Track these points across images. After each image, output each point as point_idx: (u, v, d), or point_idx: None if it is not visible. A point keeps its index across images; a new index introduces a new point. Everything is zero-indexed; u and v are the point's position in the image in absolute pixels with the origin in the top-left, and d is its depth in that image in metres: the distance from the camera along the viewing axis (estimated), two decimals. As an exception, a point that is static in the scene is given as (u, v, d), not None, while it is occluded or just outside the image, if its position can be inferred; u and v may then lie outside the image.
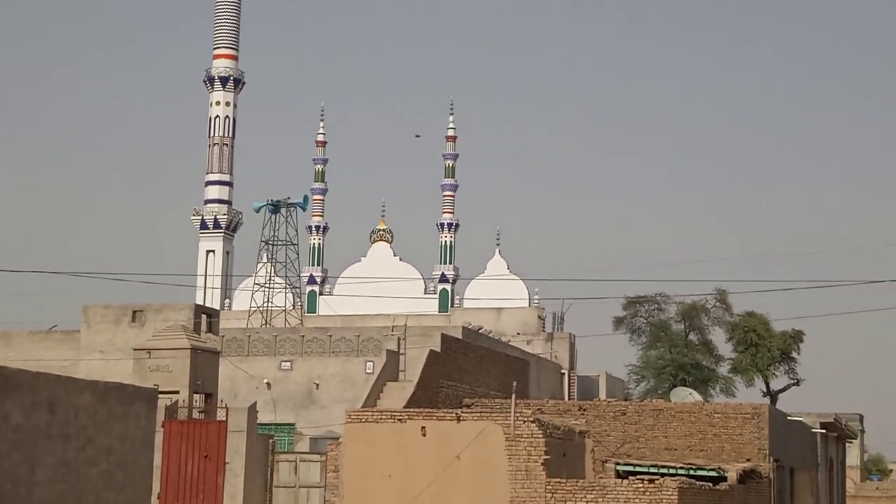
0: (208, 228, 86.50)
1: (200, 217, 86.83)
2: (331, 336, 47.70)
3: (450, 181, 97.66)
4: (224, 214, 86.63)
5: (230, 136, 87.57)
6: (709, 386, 55.65)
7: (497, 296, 78.18)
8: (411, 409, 34.47)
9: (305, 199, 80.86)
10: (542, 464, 29.58)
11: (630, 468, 31.97)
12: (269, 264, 74.40)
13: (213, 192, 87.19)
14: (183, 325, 39.52)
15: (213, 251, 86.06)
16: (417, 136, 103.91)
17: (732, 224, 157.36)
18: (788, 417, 44.91)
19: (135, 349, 36.01)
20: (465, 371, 45.78)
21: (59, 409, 9.19)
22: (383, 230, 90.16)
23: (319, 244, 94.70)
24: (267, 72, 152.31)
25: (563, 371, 59.68)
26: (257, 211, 77.69)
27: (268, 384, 43.70)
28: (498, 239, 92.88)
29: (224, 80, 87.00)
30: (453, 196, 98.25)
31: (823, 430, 50.00)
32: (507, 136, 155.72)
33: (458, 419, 31.13)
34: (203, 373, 34.74)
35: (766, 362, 56.10)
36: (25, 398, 8.96)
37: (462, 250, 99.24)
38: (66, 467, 9.23)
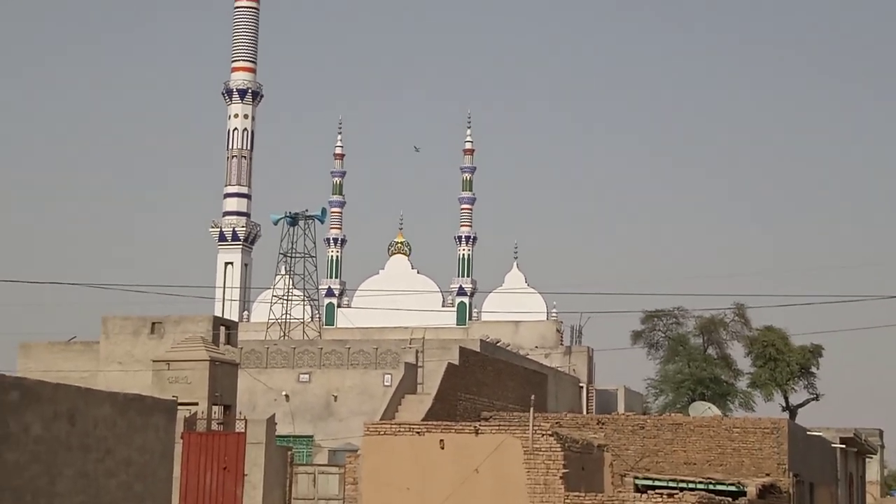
0: (227, 240, 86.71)
1: (219, 229, 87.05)
2: (349, 348, 47.76)
3: (467, 194, 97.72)
4: (242, 227, 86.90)
5: (248, 148, 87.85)
6: (727, 400, 55.50)
7: (515, 309, 77.98)
8: (429, 422, 34.42)
9: (323, 211, 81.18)
10: (561, 477, 29.48)
11: (649, 482, 31.83)
12: (288, 276, 74.60)
13: (232, 204, 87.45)
14: (202, 336, 39.56)
15: (231, 263, 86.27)
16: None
17: (752, 238, 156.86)
18: (808, 432, 44.71)
19: (154, 361, 36.07)
20: (484, 384, 45.71)
21: (79, 421, 9.19)
22: (401, 243, 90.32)
23: (337, 256, 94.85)
24: (285, 84, 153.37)
25: (581, 385, 59.59)
26: (275, 223, 77.97)
27: (286, 396, 43.71)
28: (516, 252, 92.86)
29: (242, 93, 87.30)
30: (471, 209, 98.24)
31: (843, 446, 49.75)
32: (525, 150, 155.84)
33: (477, 432, 31.07)
34: (222, 384, 34.79)
35: (786, 377, 55.93)
36: (46, 409, 8.95)
37: (480, 263, 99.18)
38: (85, 478, 9.22)
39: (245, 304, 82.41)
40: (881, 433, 72.19)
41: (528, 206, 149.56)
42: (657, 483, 31.77)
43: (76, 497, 9.27)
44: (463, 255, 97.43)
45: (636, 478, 32.78)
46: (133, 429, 9.88)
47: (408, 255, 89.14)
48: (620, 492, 31.23)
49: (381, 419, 37.20)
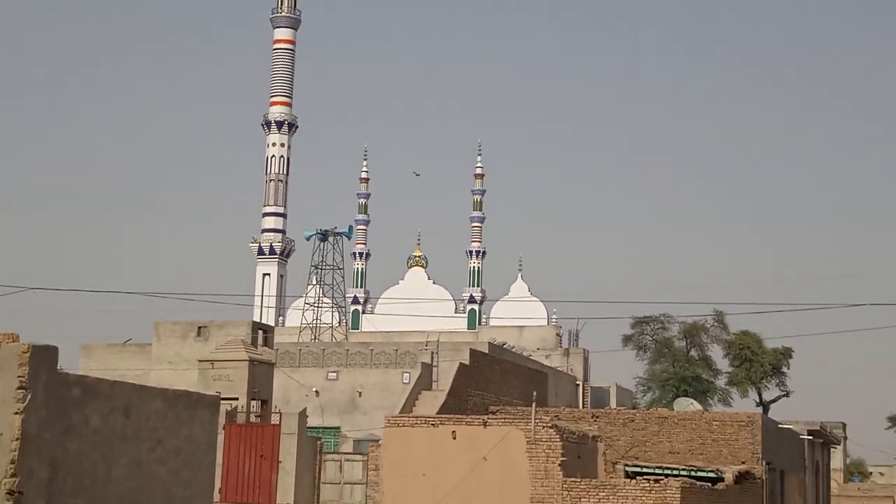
0: (264, 254, 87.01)
1: (258, 244, 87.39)
2: (372, 350, 47.75)
3: (477, 213, 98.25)
4: (278, 242, 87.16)
5: (284, 173, 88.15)
6: (708, 397, 55.32)
7: (519, 315, 78.03)
8: (443, 416, 34.41)
9: (350, 228, 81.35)
10: (560, 465, 29.42)
11: (637, 469, 31.77)
12: (318, 286, 74.70)
13: (269, 222, 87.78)
14: (242, 339, 39.62)
15: (268, 274, 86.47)
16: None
17: (732, 252, 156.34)
18: (779, 425, 44.56)
19: (199, 360, 36.11)
20: (491, 382, 45.61)
21: (133, 414, 9.22)
22: (418, 256, 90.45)
23: (362, 269, 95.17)
24: (317, 116, 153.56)
25: (577, 382, 59.43)
26: (308, 239, 78.17)
27: (316, 392, 43.71)
28: (520, 265, 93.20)
29: (279, 125, 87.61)
30: (481, 227, 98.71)
31: (810, 437, 49.54)
32: (528, 175, 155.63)
33: (485, 424, 31.04)
34: (259, 382, 34.83)
35: (759, 376, 55.82)
36: (104, 404, 9.00)
37: (488, 274, 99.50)
38: (138, 466, 9.25)
39: (280, 310, 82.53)
40: (844, 426, 71.94)
41: (531, 224, 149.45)
42: (645, 470, 31.70)
43: (130, 482, 9.30)
44: (473, 267, 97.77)
45: (626, 465, 32.71)
46: (181, 421, 9.91)
47: (424, 268, 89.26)
48: (612, 478, 31.16)
49: (400, 413, 37.21)
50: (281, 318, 79.50)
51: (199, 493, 10.05)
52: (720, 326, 57.27)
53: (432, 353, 46.02)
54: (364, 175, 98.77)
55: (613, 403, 58.20)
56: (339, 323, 72.51)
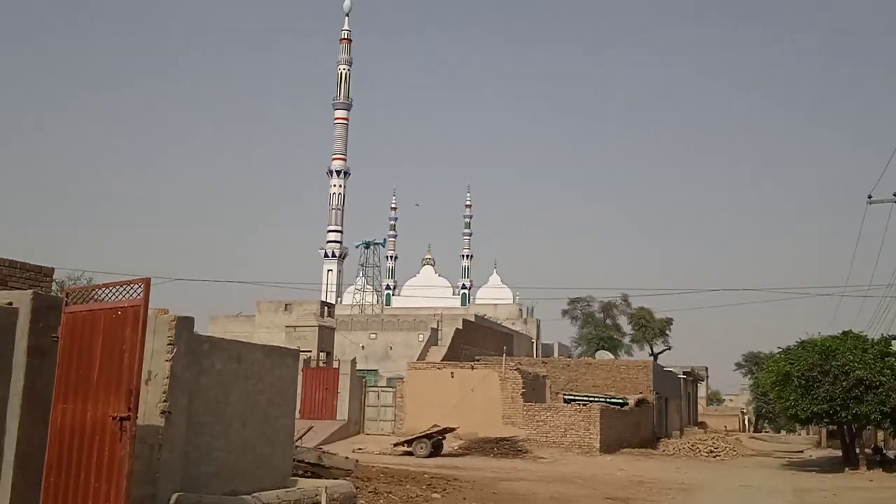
0: (328, 257, 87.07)
1: (324, 251, 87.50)
2: (398, 319, 47.89)
3: (467, 231, 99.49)
4: (338, 249, 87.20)
5: (341, 204, 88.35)
6: (617, 350, 55.37)
7: (494, 297, 78.42)
8: (444, 362, 34.61)
9: (384, 240, 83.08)
10: (521, 394, 29.56)
11: (572, 397, 31.86)
12: (363, 278, 75.05)
13: (331, 236, 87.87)
14: (314, 313, 39.77)
15: (331, 270, 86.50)
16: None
17: (635, 254, 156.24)
18: (664, 368, 44.71)
19: (286, 326, 36.28)
20: (476, 340, 45.73)
21: (243, 361, 9.24)
22: (429, 258, 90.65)
23: (392, 266, 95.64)
24: (363, 167, 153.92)
25: (532, 341, 59.59)
26: (356, 247, 79.15)
27: (362, 347, 43.85)
28: (495, 264, 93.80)
29: (338, 173, 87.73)
30: (469, 239, 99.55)
31: (684, 376, 49.66)
32: (501, 206, 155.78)
33: (472, 368, 31.22)
34: (325, 340, 34.97)
35: (651, 336, 56.00)
36: (224, 354, 9.02)
37: (475, 271, 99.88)
38: (246, 395, 9.27)
39: (338, 293, 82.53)
40: (706, 369, 71.89)
41: (503, 237, 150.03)
42: (577, 397, 31.80)
43: (241, 406, 9.29)
44: (465, 266, 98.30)
45: (564, 395, 32.82)
46: (274, 366, 9.89)
47: (433, 266, 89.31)
48: (555, 402, 31.24)
49: (416, 360, 37.37)
50: (339, 298, 79.55)
51: (286, 413, 10.06)
52: (626, 304, 57.50)
53: (438, 321, 46.19)
54: (393, 205, 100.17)
55: (556, 354, 58.26)
56: (377, 301, 72.63)
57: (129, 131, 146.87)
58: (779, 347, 28.86)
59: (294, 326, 35.62)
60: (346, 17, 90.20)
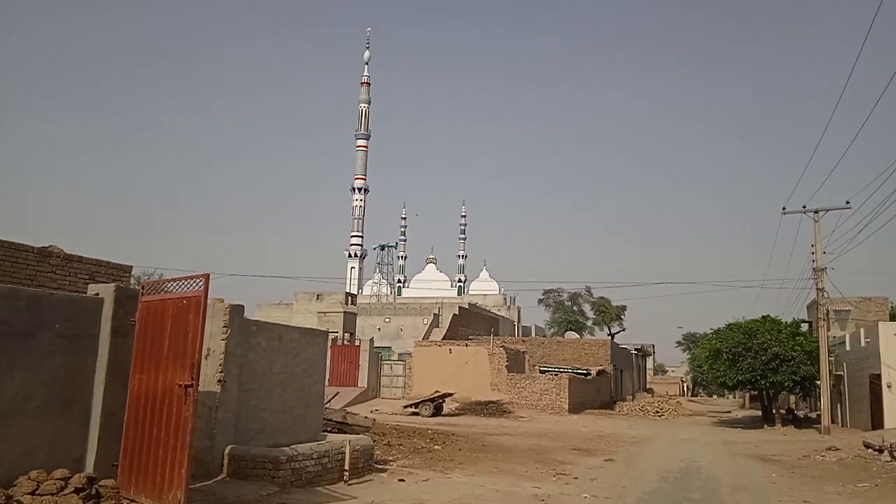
0: (352, 257, 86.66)
1: (348, 251, 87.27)
2: (408, 306, 47.82)
3: (462, 236, 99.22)
4: (359, 250, 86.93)
5: (362, 215, 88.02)
6: (582, 331, 55.19)
7: (484, 289, 77.97)
8: (445, 340, 34.56)
9: (396, 243, 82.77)
10: (505, 366, 29.49)
11: (546, 369, 31.86)
12: (380, 274, 74.95)
13: (354, 240, 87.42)
14: (340, 301, 39.64)
15: (354, 267, 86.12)
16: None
17: (596, 252, 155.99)
18: (620, 346, 44.57)
19: (318, 312, 36.17)
20: (470, 323, 45.68)
21: (283, 340, 9.24)
22: (432, 258, 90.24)
23: (403, 265, 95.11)
24: (380, 184, 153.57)
25: (514, 323, 59.41)
26: (374, 249, 78.93)
27: (378, 329, 43.76)
28: (485, 263, 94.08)
29: (359, 189, 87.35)
30: (464, 242, 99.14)
31: (636, 352, 49.62)
32: (489, 216, 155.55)
33: (466, 345, 31.14)
34: (349, 324, 34.89)
35: (609, 320, 55.72)
36: (268, 335, 9.02)
37: (469, 268, 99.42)
38: (286, 367, 9.27)
39: (360, 286, 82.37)
40: (653, 346, 71.70)
41: (491, 241, 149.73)
42: (550, 369, 31.78)
43: (281, 375, 9.27)
44: (461, 264, 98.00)
45: (540, 367, 32.80)
46: (309, 344, 9.87)
47: (435, 264, 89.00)
48: (533, 373, 31.21)
49: (422, 339, 37.31)
50: (360, 290, 79.33)
51: (317, 381, 10.04)
52: (589, 294, 57.31)
53: (439, 308, 46.07)
54: (403, 215, 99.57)
55: (533, 334, 57.98)
56: (390, 292, 72.56)
57: (201, 153, 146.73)
58: (711, 329, 28.98)
59: (324, 312, 35.60)
60: (366, 65, 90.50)
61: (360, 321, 39.00)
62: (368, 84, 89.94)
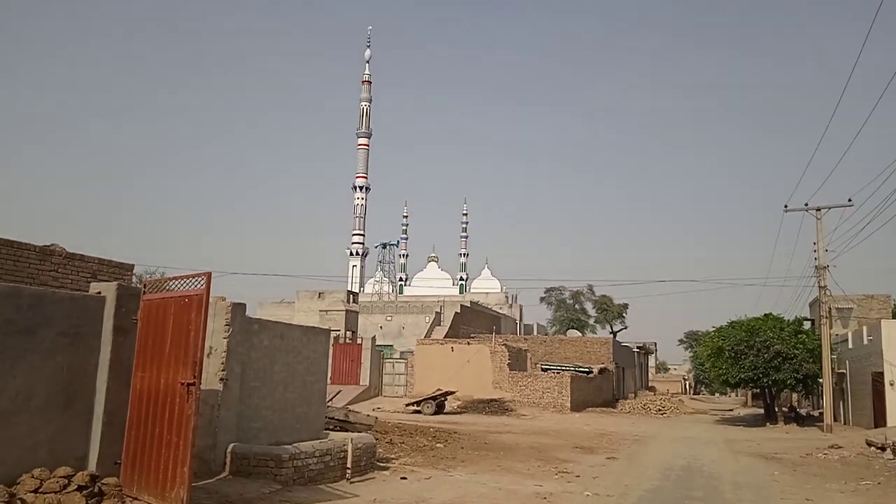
0: (353, 255, 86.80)
1: (350, 250, 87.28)
2: (409, 304, 47.78)
3: (464, 234, 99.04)
4: (361, 249, 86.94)
5: (363, 213, 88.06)
6: (584, 329, 55.19)
7: (486, 287, 77.83)
8: (447, 339, 34.51)
9: (398, 242, 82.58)
10: (507, 364, 29.50)
11: (548, 367, 31.86)
12: (381, 272, 74.88)
13: (356, 238, 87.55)
14: (342, 299, 39.63)
15: (355, 265, 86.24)
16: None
17: (597, 252, 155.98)
18: (621, 343, 44.55)
19: (320, 310, 36.14)
20: (471, 321, 45.65)
21: (285, 338, 9.24)
22: (433, 256, 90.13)
23: (404, 263, 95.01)
24: (381, 183, 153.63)
25: (516, 322, 59.38)
26: (376, 247, 78.85)
27: (380, 327, 43.74)
28: (486, 261, 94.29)
29: (361, 188, 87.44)
30: (466, 240, 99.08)
31: (637, 350, 49.55)
32: (491, 215, 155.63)
33: (468, 343, 31.14)
34: (350, 322, 34.86)
35: (611, 318, 55.72)
36: (270, 333, 9.02)
37: (471, 266, 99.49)
38: (288, 365, 9.27)
39: (362, 283, 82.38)
40: (655, 344, 71.87)
41: (493, 239, 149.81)
42: (552, 367, 31.79)
43: (283, 373, 9.27)
44: (462, 262, 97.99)
45: (542, 365, 32.81)
46: (310, 342, 9.86)
47: (437, 262, 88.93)
48: (534, 371, 31.21)
49: (424, 338, 37.31)
50: (362, 288, 79.42)
51: (319, 379, 10.04)
52: (591, 292, 57.33)
53: (441, 306, 46.00)
54: (405, 213, 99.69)
55: (535, 332, 58.02)
56: (392, 291, 72.53)
57: (203, 151, 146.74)
58: (713, 326, 28.91)
59: (326, 310, 35.59)
60: (367, 64, 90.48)
61: (361, 319, 38.97)
62: (369, 83, 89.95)
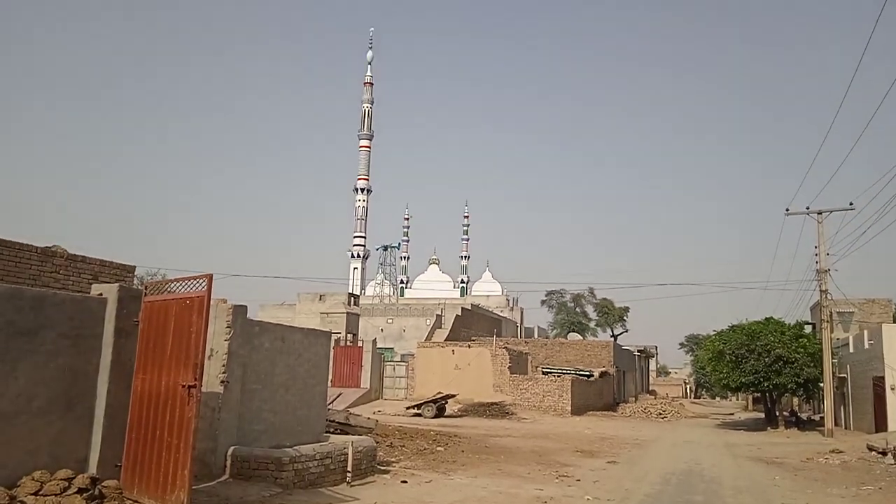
0: (354, 258, 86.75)
1: (351, 252, 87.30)
2: (410, 307, 47.77)
3: (465, 237, 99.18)
4: (362, 251, 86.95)
5: (364, 215, 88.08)
6: (585, 332, 55.09)
7: (487, 290, 77.81)
8: (447, 341, 34.50)
9: (399, 244, 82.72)
10: (508, 368, 29.46)
11: (549, 370, 31.81)
12: (382, 274, 74.87)
13: (357, 241, 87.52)
14: (343, 302, 39.66)
15: (357, 268, 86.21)
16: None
17: (597, 255, 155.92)
18: (622, 347, 44.47)
19: (321, 313, 36.18)
20: (472, 324, 45.63)
21: (286, 340, 9.24)
22: (435, 258, 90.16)
23: (406, 265, 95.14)
24: (382, 185, 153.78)
25: (517, 325, 59.34)
26: (377, 250, 78.89)
27: (381, 329, 43.72)
28: (487, 264, 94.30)
29: (363, 190, 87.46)
30: (467, 243, 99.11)
31: (638, 353, 49.47)
32: (492, 217, 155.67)
33: (469, 346, 31.09)
34: (351, 324, 34.87)
35: (612, 321, 55.60)
36: (271, 335, 9.02)
37: (471, 268, 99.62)
38: (289, 368, 9.26)
39: (363, 286, 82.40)
40: (656, 348, 71.69)
41: (494, 242, 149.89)
42: (552, 370, 31.74)
43: (284, 376, 9.27)
44: (463, 265, 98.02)
45: (543, 368, 32.76)
46: (311, 344, 9.85)
47: (438, 264, 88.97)
48: (535, 374, 31.16)
49: (424, 340, 37.27)
50: (363, 290, 79.33)
51: (320, 382, 10.03)
52: (592, 295, 57.21)
53: (442, 309, 46.00)
54: (406, 216, 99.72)
55: (536, 335, 57.91)
56: (393, 293, 72.49)
57: (204, 154, 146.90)
58: (714, 330, 28.87)
59: (327, 313, 35.62)
60: (369, 65, 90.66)
61: (362, 322, 38.96)
62: (371, 84, 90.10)
